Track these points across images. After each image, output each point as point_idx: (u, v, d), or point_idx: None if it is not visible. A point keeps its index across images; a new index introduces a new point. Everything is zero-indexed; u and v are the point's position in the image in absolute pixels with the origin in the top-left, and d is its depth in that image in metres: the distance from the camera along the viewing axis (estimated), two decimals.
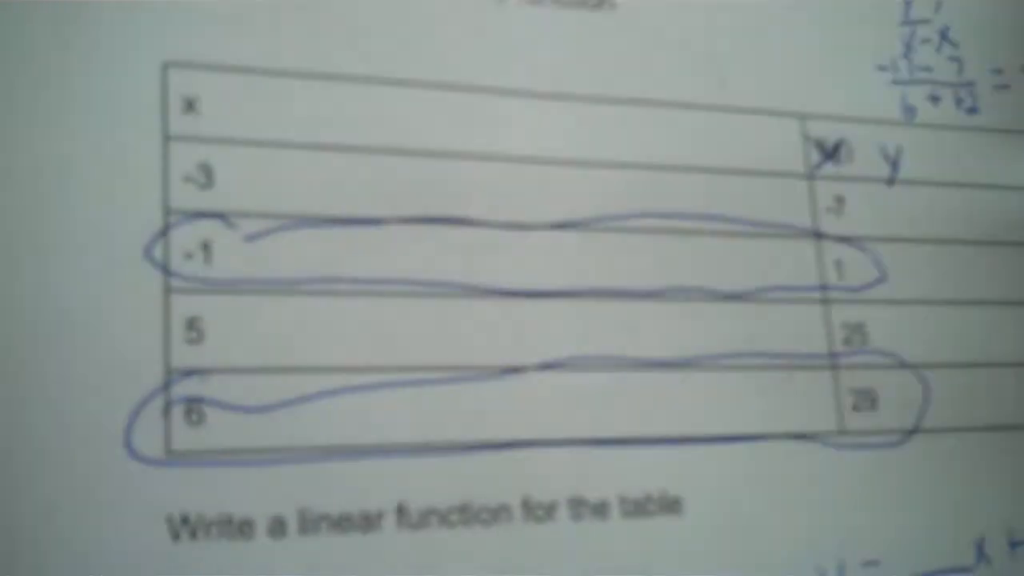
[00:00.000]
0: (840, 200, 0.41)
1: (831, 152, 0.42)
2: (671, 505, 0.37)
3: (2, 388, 0.31)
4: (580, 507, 0.36)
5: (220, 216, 0.34)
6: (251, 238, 0.34)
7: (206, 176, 0.34)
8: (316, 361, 0.34)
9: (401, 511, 0.34)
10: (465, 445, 0.35)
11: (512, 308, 0.36)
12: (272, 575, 0.32)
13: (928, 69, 0.44)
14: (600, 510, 0.36)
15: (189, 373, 0.33)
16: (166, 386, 0.33)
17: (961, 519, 0.40)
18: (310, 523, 0.33)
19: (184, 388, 0.33)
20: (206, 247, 0.34)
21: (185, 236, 0.34)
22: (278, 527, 0.33)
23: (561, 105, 0.39)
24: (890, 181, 0.43)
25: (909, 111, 0.44)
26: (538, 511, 0.35)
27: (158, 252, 0.33)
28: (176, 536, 0.32)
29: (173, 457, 0.32)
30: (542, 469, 0.35)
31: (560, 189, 0.38)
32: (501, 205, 0.37)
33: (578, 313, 0.37)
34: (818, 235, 0.41)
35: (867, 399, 0.40)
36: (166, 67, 0.35)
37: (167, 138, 0.34)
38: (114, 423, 0.32)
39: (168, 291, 0.33)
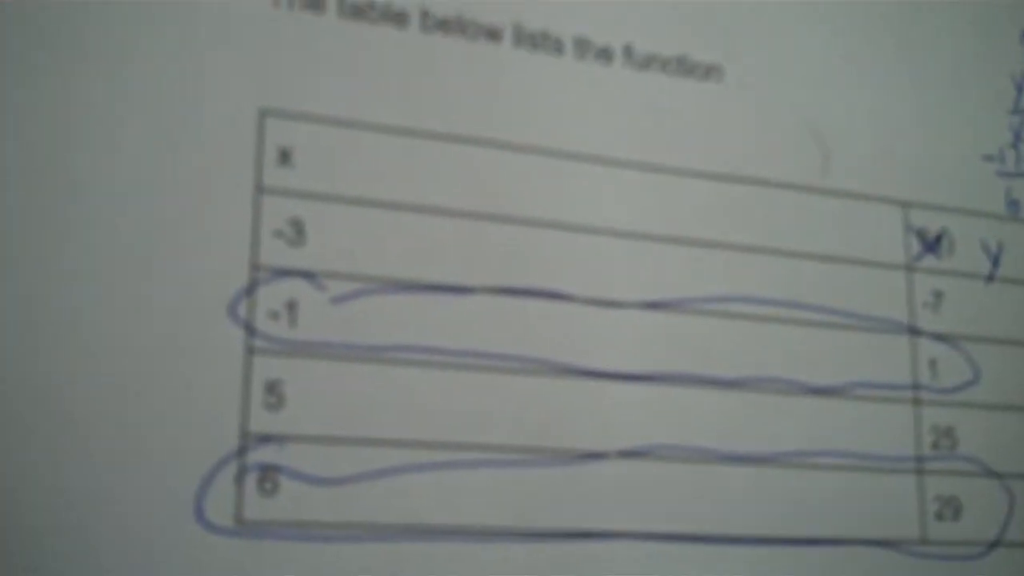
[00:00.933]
0: (939, 295, 0.40)
1: (933, 244, 0.40)
2: None
3: (73, 444, 0.30)
4: None
5: (308, 275, 0.33)
6: (338, 300, 0.33)
7: (297, 232, 0.33)
8: (396, 434, 0.33)
9: None
10: (541, 532, 0.34)
11: (596, 390, 0.35)
12: None
13: None
14: None
15: (266, 439, 0.32)
16: (241, 452, 0.32)
17: None
18: None
19: (260, 455, 0.32)
20: (291, 307, 0.33)
21: (272, 294, 0.33)
22: None
23: (660, 178, 0.38)
24: (990, 278, 0.41)
25: (1013, 205, 0.42)
26: None
27: (243, 310, 0.32)
28: None
29: (244, 527, 0.31)
30: (618, 562, 0.34)
31: (654, 267, 0.37)
32: (593, 280, 0.36)
33: (662, 399, 0.36)
34: (914, 331, 0.40)
35: (951, 507, 0.39)
36: (263, 115, 0.34)
37: (260, 190, 0.33)
38: (186, 488, 0.31)
39: (251, 352, 0.32)
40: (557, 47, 0.37)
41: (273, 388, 0.32)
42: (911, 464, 0.39)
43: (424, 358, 0.34)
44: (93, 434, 0.30)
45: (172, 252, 0.32)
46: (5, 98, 0.31)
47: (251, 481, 0.32)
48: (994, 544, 0.39)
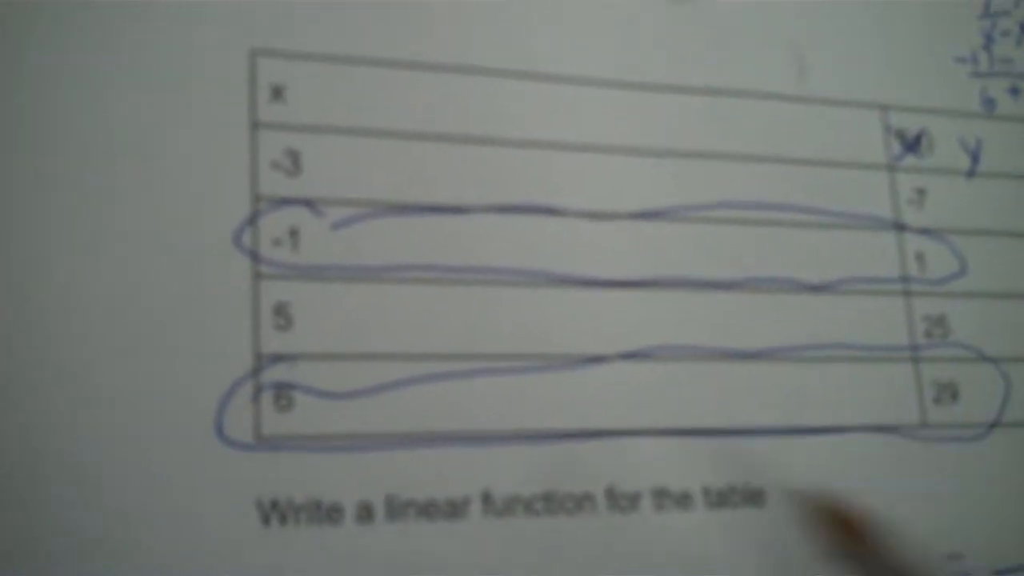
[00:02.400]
0: (921, 192, 0.41)
1: (913, 143, 0.42)
2: (754, 497, 0.36)
3: (93, 376, 0.31)
4: (664, 498, 0.36)
5: (308, 203, 0.34)
6: (338, 225, 0.35)
7: (294, 163, 0.35)
8: (402, 348, 0.34)
9: (486, 498, 0.34)
10: (549, 434, 0.35)
11: (594, 298, 0.36)
12: (359, 560, 0.32)
13: (1008, 61, 0.44)
14: (684, 501, 0.36)
15: (278, 359, 0.33)
16: (256, 372, 0.33)
17: None
18: (397, 509, 0.33)
19: (273, 374, 0.33)
20: (294, 234, 0.34)
21: (273, 223, 0.34)
22: (365, 513, 0.33)
23: (642, 95, 0.39)
24: (970, 173, 0.42)
25: (989, 103, 0.43)
26: (622, 501, 0.35)
27: (247, 239, 0.34)
28: (266, 521, 0.32)
29: (263, 442, 0.32)
30: (626, 459, 0.35)
31: (642, 179, 0.38)
32: (584, 195, 0.37)
33: (659, 303, 0.37)
34: (899, 227, 0.41)
35: (948, 392, 0.40)
36: (254, 55, 0.35)
37: (255, 125, 0.34)
38: (205, 409, 0.32)
39: (257, 277, 0.33)
40: None
41: (281, 310, 0.34)
42: (906, 352, 0.40)
43: (424, 276, 0.35)
44: (116, 365, 0.32)
45: (175, 188, 0.33)
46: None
47: (267, 399, 0.33)
48: (993, 425, 0.40)
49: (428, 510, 0.33)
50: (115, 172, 0.33)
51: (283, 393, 0.33)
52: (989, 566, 0.38)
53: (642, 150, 0.38)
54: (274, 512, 0.32)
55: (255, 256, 0.34)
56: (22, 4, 0.33)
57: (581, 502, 0.35)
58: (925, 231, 0.41)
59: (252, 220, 0.34)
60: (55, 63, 0.33)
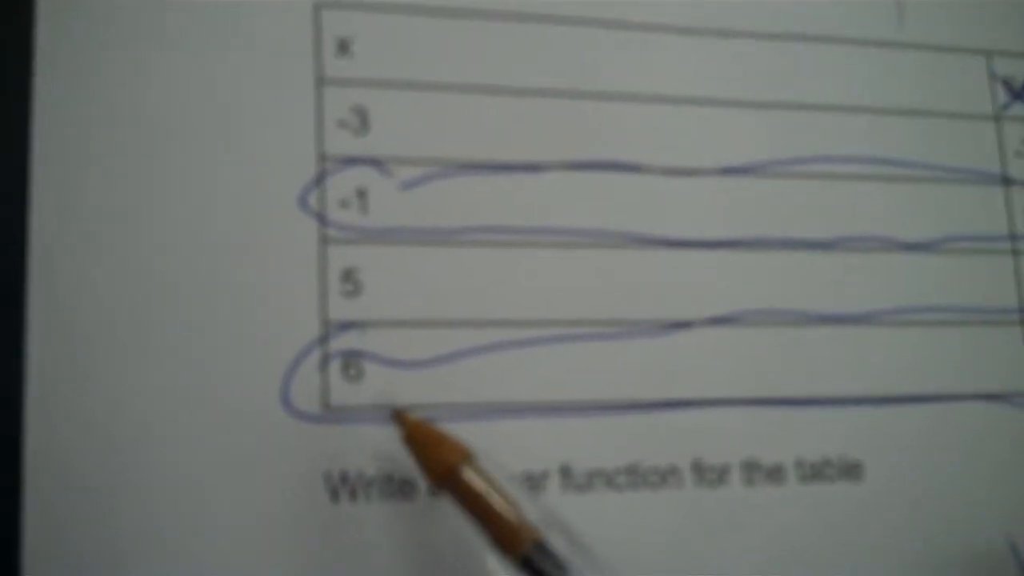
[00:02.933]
0: None
1: (1021, 92, 0.39)
2: (851, 470, 0.34)
3: (160, 341, 0.30)
4: (754, 471, 0.33)
5: (376, 163, 0.33)
6: (407, 186, 0.33)
7: (361, 121, 0.33)
8: (476, 315, 0.33)
9: (565, 472, 0.32)
10: (632, 404, 0.33)
11: (679, 259, 0.34)
12: (434, 536, 0.31)
13: None
14: (775, 474, 0.34)
15: (346, 326, 0.32)
16: (323, 340, 0.31)
17: None
18: None
19: (342, 342, 0.32)
20: (361, 195, 0.33)
21: (340, 184, 0.32)
22: None
23: (731, 42, 0.36)
24: None
25: None
26: (709, 474, 0.33)
27: (313, 201, 0.32)
28: (335, 495, 0.31)
29: (331, 413, 0.31)
30: (713, 430, 0.33)
31: (728, 132, 0.36)
32: (667, 150, 0.35)
33: (748, 265, 0.35)
34: (1007, 181, 0.38)
35: None
36: (318, 7, 0.33)
37: (321, 81, 0.33)
38: (271, 377, 0.31)
39: (324, 241, 0.32)
40: None
41: (349, 276, 0.32)
42: (1016, 316, 0.37)
43: (499, 238, 0.33)
44: (181, 331, 0.30)
45: (238, 148, 0.32)
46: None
47: (335, 368, 0.31)
48: None
49: None
50: (177, 131, 0.31)
51: (352, 362, 0.32)
52: None
53: (728, 101, 0.36)
54: (343, 486, 0.31)
55: (322, 219, 0.32)
56: None
57: (666, 476, 0.33)
58: None
59: (319, 181, 0.32)
60: (118, 23, 0.32)
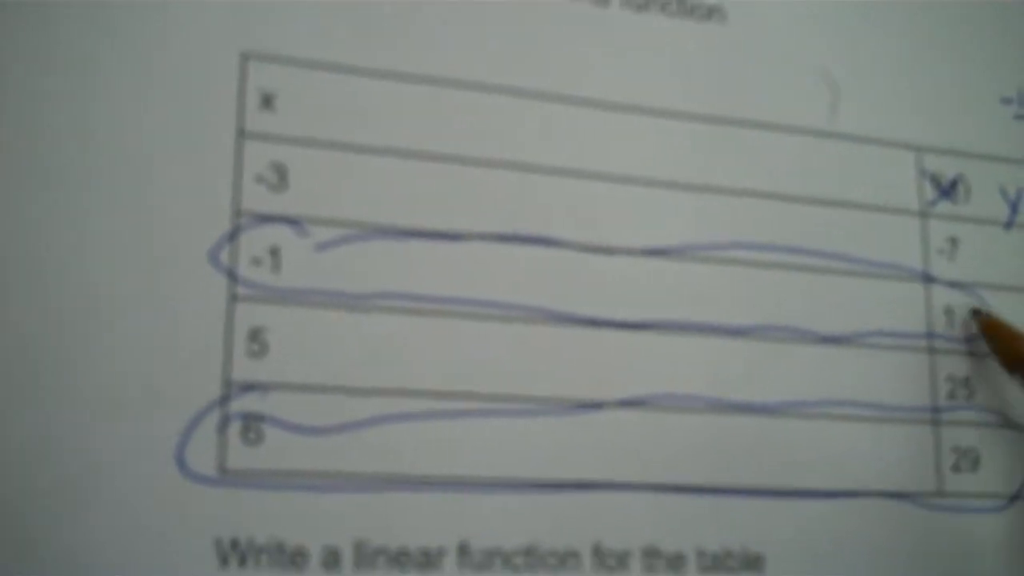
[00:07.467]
0: (954, 242, 0.39)
1: (948, 189, 0.39)
2: (752, 562, 0.34)
3: (55, 393, 0.29)
4: (654, 558, 0.33)
5: (292, 221, 0.32)
6: (322, 247, 0.32)
7: (280, 177, 0.32)
8: (384, 383, 0.32)
9: (463, 550, 0.32)
10: (535, 483, 0.33)
11: (594, 338, 0.34)
12: None
13: None
14: (676, 563, 0.33)
15: (249, 388, 0.31)
16: (224, 400, 0.31)
17: None
18: (366, 556, 0.31)
19: (243, 404, 0.31)
20: (274, 253, 0.32)
21: (254, 240, 0.32)
22: (332, 559, 0.31)
23: (660, 122, 0.36)
24: (1008, 224, 0.39)
25: None
26: (609, 560, 0.33)
27: (225, 256, 0.31)
28: (224, 561, 0.30)
29: (227, 476, 0.30)
30: (616, 515, 0.33)
31: (652, 212, 0.36)
32: (589, 226, 0.35)
33: (663, 348, 0.35)
34: (928, 278, 0.38)
35: (969, 459, 0.37)
36: (245, 58, 0.33)
37: (242, 134, 0.32)
38: (168, 437, 0.30)
39: (233, 298, 0.31)
40: None
41: (256, 335, 0.31)
42: (927, 414, 0.37)
43: (412, 306, 0.33)
44: (75, 383, 0.30)
45: (152, 198, 0.31)
46: None
47: (234, 430, 0.31)
48: (1015, 497, 0.37)
49: (400, 559, 0.31)
50: (92, 174, 0.31)
51: (252, 425, 0.31)
52: None
53: (653, 181, 0.36)
54: (233, 552, 0.30)
55: (232, 275, 0.31)
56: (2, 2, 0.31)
57: (565, 559, 0.32)
58: (955, 284, 0.38)
59: (232, 236, 0.32)
60: (39, 62, 0.31)
